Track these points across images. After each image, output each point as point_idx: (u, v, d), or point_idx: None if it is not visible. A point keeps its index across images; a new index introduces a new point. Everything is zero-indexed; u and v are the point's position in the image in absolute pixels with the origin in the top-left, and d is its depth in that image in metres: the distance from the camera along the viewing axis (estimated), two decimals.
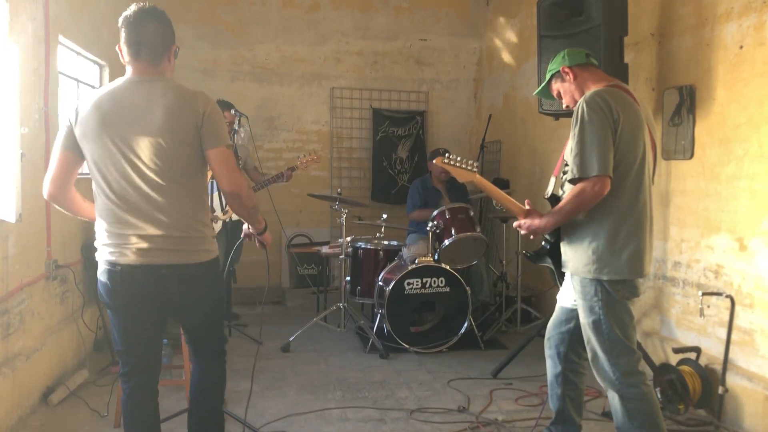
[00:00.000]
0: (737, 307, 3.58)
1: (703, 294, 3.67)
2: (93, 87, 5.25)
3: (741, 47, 3.60)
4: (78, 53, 4.81)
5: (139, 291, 2.47)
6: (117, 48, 2.54)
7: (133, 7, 2.49)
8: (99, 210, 2.49)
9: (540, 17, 4.33)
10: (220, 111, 2.52)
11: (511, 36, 6.77)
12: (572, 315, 2.95)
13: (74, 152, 2.49)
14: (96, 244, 2.53)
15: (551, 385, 3.07)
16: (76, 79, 4.85)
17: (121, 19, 2.49)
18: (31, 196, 3.74)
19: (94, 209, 2.55)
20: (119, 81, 2.50)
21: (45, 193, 2.53)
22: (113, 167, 2.42)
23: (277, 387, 4.17)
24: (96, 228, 2.53)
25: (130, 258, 2.44)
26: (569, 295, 2.94)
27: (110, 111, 2.41)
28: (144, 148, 2.39)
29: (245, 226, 2.84)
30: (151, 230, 2.43)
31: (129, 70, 2.51)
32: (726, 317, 3.62)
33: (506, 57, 6.90)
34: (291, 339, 4.98)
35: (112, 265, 2.46)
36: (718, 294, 3.67)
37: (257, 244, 2.84)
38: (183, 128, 2.41)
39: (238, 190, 2.50)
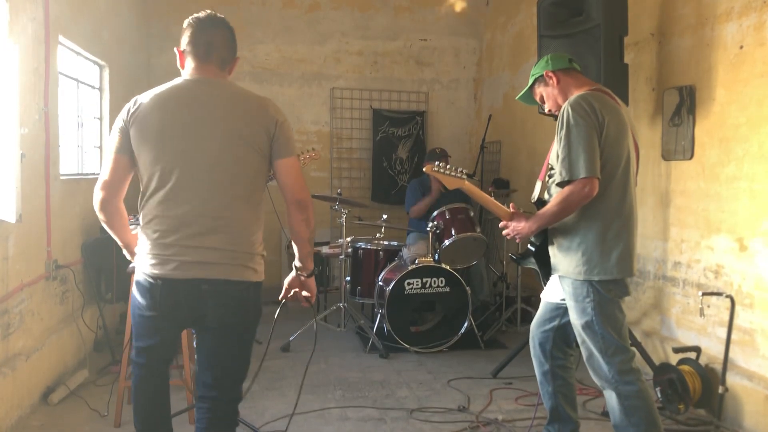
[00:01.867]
0: (737, 307, 3.58)
1: (703, 294, 3.67)
2: (93, 87, 5.25)
3: (741, 47, 3.60)
4: (78, 53, 4.81)
5: (176, 306, 2.27)
6: (176, 50, 2.38)
7: (204, 12, 2.38)
8: (148, 214, 2.28)
9: (540, 17, 4.33)
10: (289, 120, 2.40)
11: (511, 36, 6.77)
12: (557, 313, 2.97)
13: (128, 156, 2.29)
14: (137, 250, 2.35)
15: (541, 383, 3.09)
16: (76, 79, 4.85)
17: (189, 21, 2.36)
18: (31, 197, 3.74)
19: (132, 234, 2.45)
20: (180, 80, 2.33)
21: (97, 200, 2.34)
22: (175, 172, 2.22)
23: (277, 387, 4.17)
24: (140, 233, 2.33)
25: (170, 272, 2.23)
26: (554, 293, 2.96)
27: (175, 111, 2.24)
28: (211, 153, 2.22)
29: (288, 278, 2.58)
30: (204, 242, 2.22)
31: (190, 71, 2.33)
32: (726, 317, 3.62)
33: (506, 57, 6.91)
34: (291, 339, 4.98)
35: (154, 278, 2.25)
36: (718, 294, 3.67)
37: (302, 299, 2.59)
38: (256, 134, 2.26)
39: (307, 202, 2.35)
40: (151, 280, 2.25)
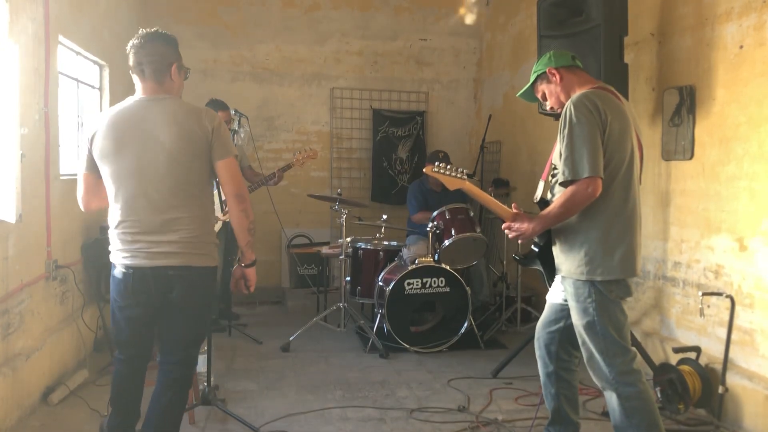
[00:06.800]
0: (737, 307, 3.58)
1: (703, 294, 3.67)
2: (93, 87, 5.25)
3: (741, 47, 3.60)
4: (78, 53, 4.81)
5: (147, 292, 2.66)
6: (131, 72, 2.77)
7: (139, 33, 2.73)
8: (114, 219, 2.69)
9: (540, 17, 4.33)
10: (225, 124, 2.77)
11: (511, 36, 6.77)
12: (562, 314, 2.95)
13: (94, 172, 2.73)
14: (110, 248, 2.74)
15: (545, 384, 3.07)
16: (76, 79, 4.85)
17: (128, 46, 2.73)
18: (31, 197, 3.74)
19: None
20: (129, 101, 2.72)
21: (82, 206, 2.82)
22: (131, 184, 2.63)
23: (278, 387, 4.17)
24: (110, 235, 2.74)
25: (140, 262, 2.64)
26: (558, 294, 2.95)
27: (124, 131, 2.63)
28: (161, 163, 2.61)
29: (234, 268, 2.93)
30: (163, 237, 2.64)
31: (138, 90, 2.73)
32: (726, 317, 3.62)
33: (506, 57, 6.91)
34: (291, 339, 4.98)
35: (126, 268, 2.66)
36: (718, 294, 3.67)
37: (242, 286, 2.91)
38: (195, 144, 2.63)
39: (245, 195, 2.73)
40: (123, 270, 2.67)
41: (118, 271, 2.69)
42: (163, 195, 2.62)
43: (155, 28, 2.76)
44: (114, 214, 2.69)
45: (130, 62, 2.71)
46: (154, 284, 2.65)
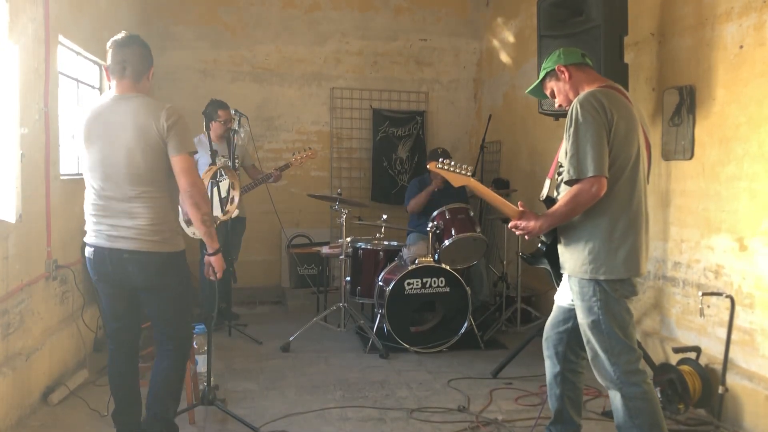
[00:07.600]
0: (737, 307, 3.58)
1: (703, 294, 3.67)
2: (93, 87, 5.25)
3: (741, 47, 3.60)
4: (78, 53, 4.81)
5: (106, 270, 2.89)
6: (104, 68, 2.88)
7: (120, 33, 2.94)
8: (87, 205, 2.95)
9: (540, 17, 4.33)
10: (184, 122, 2.88)
11: (511, 36, 6.77)
12: (570, 315, 2.95)
13: None
14: (85, 228, 2.99)
15: (550, 385, 3.07)
16: (76, 79, 4.85)
17: (109, 43, 2.91)
18: (31, 197, 3.74)
19: None
20: (104, 98, 2.94)
21: None
22: (97, 174, 2.87)
23: (277, 387, 4.17)
24: (85, 218, 2.98)
25: (101, 242, 2.88)
26: (567, 295, 2.95)
27: (94, 127, 2.87)
28: (120, 158, 2.82)
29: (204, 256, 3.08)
30: (122, 223, 2.84)
31: (113, 87, 2.93)
32: (726, 317, 3.62)
33: (506, 57, 6.91)
34: (291, 339, 4.98)
35: (90, 246, 2.92)
36: (718, 294, 3.67)
37: (210, 273, 3.07)
38: (150, 140, 2.81)
39: (194, 191, 2.85)
40: (88, 249, 2.93)
41: (86, 250, 2.95)
42: (123, 187, 2.83)
43: (135, 33, 2.98)
44: (87, 201, 2.94)
45: (110, 59, 2.89)
46: (110, 265, 2.87)
